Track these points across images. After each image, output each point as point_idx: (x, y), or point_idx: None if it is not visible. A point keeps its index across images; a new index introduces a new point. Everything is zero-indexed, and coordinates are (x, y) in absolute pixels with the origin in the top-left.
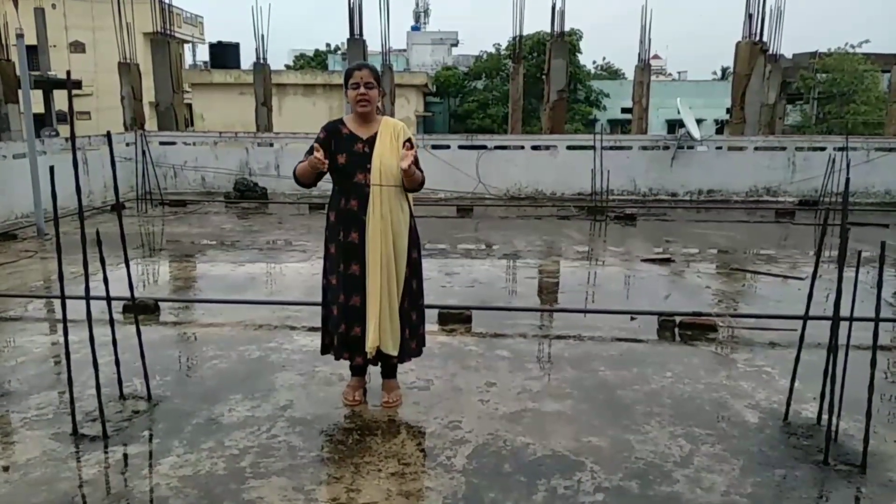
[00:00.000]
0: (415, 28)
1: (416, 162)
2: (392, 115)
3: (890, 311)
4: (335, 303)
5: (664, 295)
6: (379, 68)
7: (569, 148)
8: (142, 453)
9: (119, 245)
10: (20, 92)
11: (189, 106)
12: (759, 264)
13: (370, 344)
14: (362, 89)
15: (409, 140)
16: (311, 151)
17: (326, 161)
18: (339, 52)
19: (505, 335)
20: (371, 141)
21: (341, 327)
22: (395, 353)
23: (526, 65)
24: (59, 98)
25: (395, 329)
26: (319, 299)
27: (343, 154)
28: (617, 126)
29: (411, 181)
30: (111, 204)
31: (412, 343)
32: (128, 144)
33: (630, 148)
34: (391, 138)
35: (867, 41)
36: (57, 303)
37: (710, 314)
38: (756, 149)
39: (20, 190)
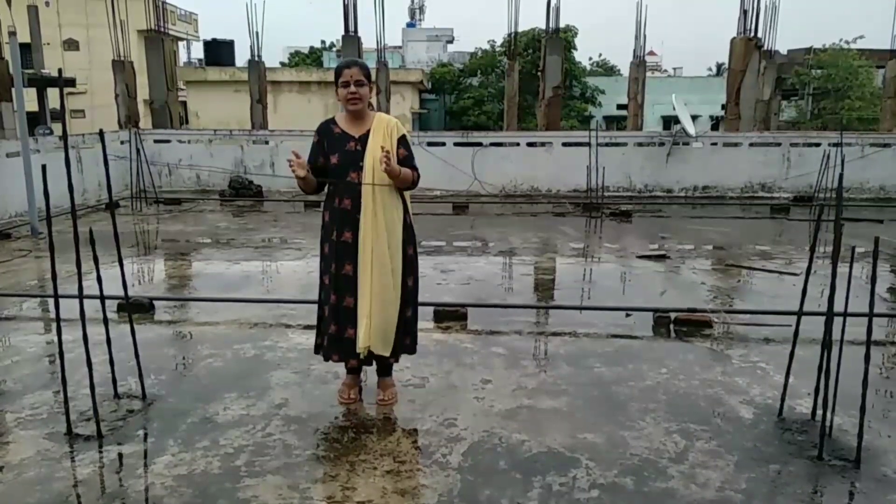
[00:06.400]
0: (410, 25)
1: (409, 160)
2: (387, 112)
3: (884, 306)
4: (327, 303)
5: (659, 291)
6: (374, 65)
7: (564, 145)
8: (136, 452)
9: (113, 244)
10: (13, 90)
11: (184, 103)
12: (754, 260)
13: (360, 344)
14: (352, 87)
15: (402, 137)
16: (312, 152)
17: (303, 162)
18: (335, 48)
19: (500, 332)
20: (364, 139)
21: (332, 328)
22: (386, 353)
23: (521, 61)
24: (53, 96)
25: (388, 330)
26: (314, 297)
27: (336, 154)
28: (612, 122)
29: (400, 182)
30: (105, 202)
31: (406, 339)
32: (122, 142)
33: (625, 144)
34: (384, 135)
35: (861, 37)
36: (51, 302)
37: (706, 310)
38: (751, 145)
39: (14, 189)
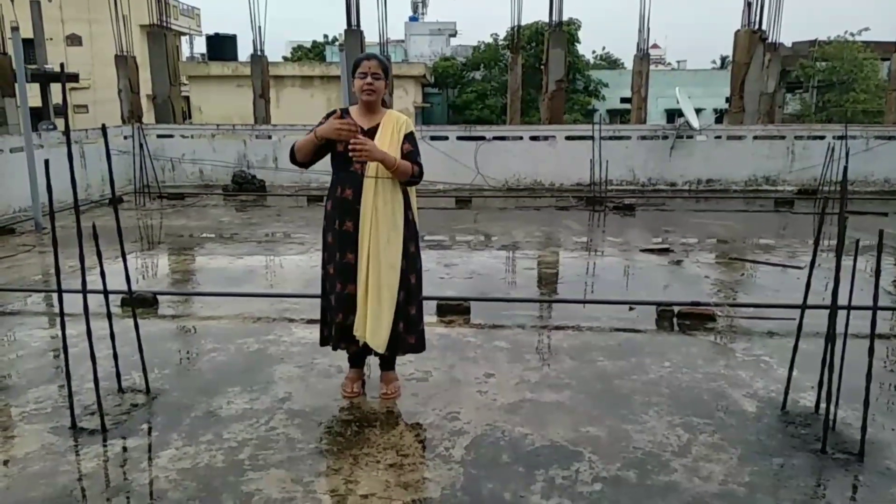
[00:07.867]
0: (413, 18)
1: (413, 155)
2: (390, 106)
3: (888, 299)
4: (333, 292)
5: (663, 285)
6: None
7: (568, 138)
8: (140, 446)
9: (117, 238)
10: (17, 86)
11: (186, 98)
12: (758, 253)
13: (356, 331)
14: (369, 79)
15: (410, 133)
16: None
17: (354, 128)
18: (337, 43)
19: (503, 326)
20: (372, 132)
21: (339, 316)
22: (379, 348)
23: (524, 55)
24: (57, 92)
25: (380, 323)
26: (318, 291)
27: (343, 142)
28: (616, 116)
29: (398, 174)
30: (109, 197)
31: (410, 338)
32: (125, 137)
33: (629, 138)
34: (393, 131)
35: (867, 29)
36: (55, 296)
37: (709, 304)
38: (755, 138)
39: (18, 184)
